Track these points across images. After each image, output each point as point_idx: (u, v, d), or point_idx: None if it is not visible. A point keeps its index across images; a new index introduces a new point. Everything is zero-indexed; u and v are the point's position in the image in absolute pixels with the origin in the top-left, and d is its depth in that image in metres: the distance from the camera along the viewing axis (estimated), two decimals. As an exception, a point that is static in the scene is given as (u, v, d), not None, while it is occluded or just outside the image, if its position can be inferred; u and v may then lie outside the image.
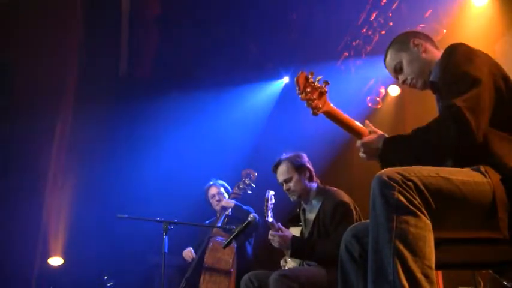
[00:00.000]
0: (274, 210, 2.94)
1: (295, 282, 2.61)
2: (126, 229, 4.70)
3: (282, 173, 3.05)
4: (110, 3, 6.03)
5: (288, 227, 3.12)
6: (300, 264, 3.09)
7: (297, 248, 2.82)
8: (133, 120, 6.21)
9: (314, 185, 3.06)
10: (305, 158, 3.11)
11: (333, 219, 2.82)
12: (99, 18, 5.96)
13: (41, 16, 5.46)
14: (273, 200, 2.96)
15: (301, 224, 3.16)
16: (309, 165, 3.08)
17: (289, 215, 3.37)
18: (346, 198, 2.93)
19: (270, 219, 2.89)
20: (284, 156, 3.09)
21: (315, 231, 2.93)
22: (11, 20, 5.30)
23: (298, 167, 3.04)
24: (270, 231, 2.89)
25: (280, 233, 2.86)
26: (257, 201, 4.31)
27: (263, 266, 3.18)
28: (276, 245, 2.88)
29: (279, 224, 2.92)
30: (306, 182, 3.03)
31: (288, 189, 3.03)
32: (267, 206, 2.92)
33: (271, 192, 2.97)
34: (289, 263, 3.12)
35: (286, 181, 3.03)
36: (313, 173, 3.09)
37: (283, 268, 3.15)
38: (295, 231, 3.16)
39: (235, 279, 3.66)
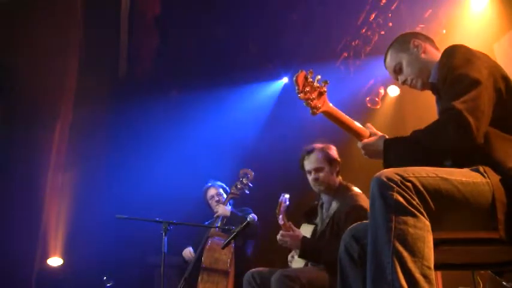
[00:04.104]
0: (289, 209, 2.89)
1: (297, 283, 2.61)
2: (125, 229, 4.70)
3: (314, 161, 2.97)
4: (109, 3, 6.03)
5: (299, 226, 3.07)
6: (305, 264, 3.09)
7: (306, 249, 2.79)
8: (133, 120, 6.21)
9: (338, 180, 3.01)
10: (335, 151, 3.05)
11: (346, 222, 2.76)
12: (99, 18, 5.96)
13: (41, 16, 5.45)
14: (288, 203, 2.88)
15: (315, 222, 3.11)
16: (339, 159, 3.03)
17: (307, 208, 3.27)
18: (364, 203, 2.83)
19: (281, 222, 2.84)
20: (318, 145, 3.02)
21: (327, 230, 2.89)
22: (10, 20, 5.30)
23: (332, 160, 2.98)
24: (281, 231, 2.85)
25: (290, 232, 2.82)
26: (255, 201, 4.32)
27: (261, 266, 3.16)
28: (285, 244, 2.85)
29: (290, 223, 2.87)
30: (334, 176, 2.98)
31: (316, 179, 2.95)
32: (279, 210, 2.86)
33: (286, 196, 2.88)
34: (296, 261, 3.12)
35: (317, 170, 2.95)
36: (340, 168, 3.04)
37: (290, 263, 3.15)
38: (307, 228, 3.13)
39: (234, 280, 3.67)
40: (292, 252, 3.12)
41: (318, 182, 2.97)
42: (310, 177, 3.00)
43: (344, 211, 2.80)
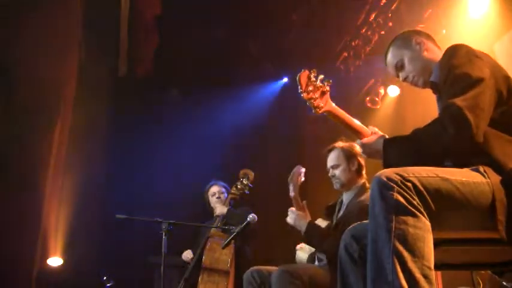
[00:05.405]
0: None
1: (298, 279, 2.62)
2: (125, 229, 4.70)
3: (331, 159, 3.05)
4: (109, 3, 6.03)
5: (315, 218, 3.09)
6: (309, 256, 3.09)
7: (310, 231, 2.81)
8: (132, 120, 6.21)
9: (361, 180, 3.02)
10: (358, 149, 2.99)
11: (353, 220, 2.77)
12: (99, 18, 5.96)
13: (41, 16, 5.45)
14: (303, 178, 2.92)
15: (332, 219, 3.14)
16: (360, 158, 3.04)
17: (329, 204, 3.28)
18: None
19: (292, 194, 2.89)
20: (340, 143, 3.07)
21: (339, 226, 2.90)
22: (10, 20, 5.30)
23: (349, 157, 3.02)
24: (291, 208, 2.89)
25: (300, 212, 2.86)
26: (254, 201, 4.32)
27: (261, 265, 3.17)
28: (291, 222, 2.88)
29: (305, 202, 2.91)
30: (353, 173, 3.00)
31: (333, 176, 3.02)
32: (292, 179, 2.90)
33: (302, 169, 2.93)
34: (303, 249, 3.12)
35: (333, 167, 3.02)
36: (363, 168, 3.05)
37: (297, 251, 3.19)
38: (321, 224, 3.14)
39: (234, 279, 3.67)
40: (301, 244, 3.11)
41: (334, 179, 3.02)
42: (329, 175, 3.07)
43: (354, 211, 2.80)
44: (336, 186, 3.03)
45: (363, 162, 3.04)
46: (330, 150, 3.07)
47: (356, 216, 2.65)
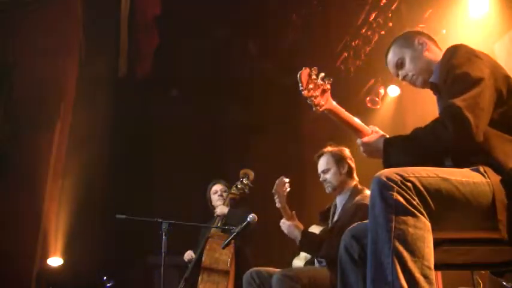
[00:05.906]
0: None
1: (298, 283, 2.62)
2: (125, 229, 4.70)
3: (321, 164, 3.06)
4: (109, 2, 6.03)
5: (308, 226, 3.10)
6: (305, 263, 3.08)
7: (305, 240, 2.82)
8: (133, 120, 6.21)
9: (352, 182, 3.03)
10: (347, 153, 3.09)
11: (351, 220, 2.79)
12: (99, 18, 5.96)
13: (41, 16, 5.45)
14: (288, 188, 2.92)
15: (327, 223, 3.15)
16: (350, 161, 3.06)
17: (323, 209, 3.29)
18: None
19: (279, 205, 2.89)
20: (329, 148, 3.08)
21: (335, 229, 2.89)
22: (11, 20, 5.30)
23: (338, 160, 3.03)
24: (283, 219, 2.89)
25: (293, 222, 2.86)
26: (254, 201, 4.32)
27: (261, 265, 3.17)
28: (285, 232, 2.89)
29: (294, 212, 2.91)
30: (344, 176, 3.01)
31: (325, 180, 3.03)
32: (277, 190, 2.90)
33: (285, 180, 2.93)
34: (299, 257, 3.12)
35: (324, 172, 3.03)
36: (353, 170, 3.06)
37: (294, 259, 3.16)
38: (316, 230, 3.15)
39: (234, 279, 3.67)
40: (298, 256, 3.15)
41: (326, 183, 3.03)
42: (321, 179, 3.07)
43: (350, 210, 2.81)
44: (328, 190, 3.04)
45: (353, 164, 3.05)
46: (320, 156, 3.08)
47: (353, 216, 2.66)
